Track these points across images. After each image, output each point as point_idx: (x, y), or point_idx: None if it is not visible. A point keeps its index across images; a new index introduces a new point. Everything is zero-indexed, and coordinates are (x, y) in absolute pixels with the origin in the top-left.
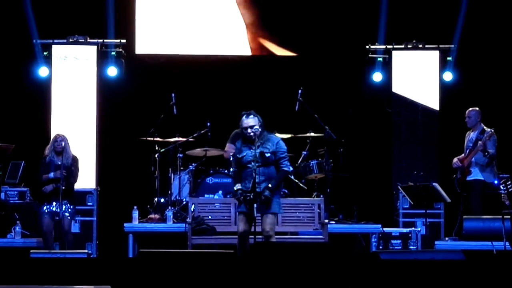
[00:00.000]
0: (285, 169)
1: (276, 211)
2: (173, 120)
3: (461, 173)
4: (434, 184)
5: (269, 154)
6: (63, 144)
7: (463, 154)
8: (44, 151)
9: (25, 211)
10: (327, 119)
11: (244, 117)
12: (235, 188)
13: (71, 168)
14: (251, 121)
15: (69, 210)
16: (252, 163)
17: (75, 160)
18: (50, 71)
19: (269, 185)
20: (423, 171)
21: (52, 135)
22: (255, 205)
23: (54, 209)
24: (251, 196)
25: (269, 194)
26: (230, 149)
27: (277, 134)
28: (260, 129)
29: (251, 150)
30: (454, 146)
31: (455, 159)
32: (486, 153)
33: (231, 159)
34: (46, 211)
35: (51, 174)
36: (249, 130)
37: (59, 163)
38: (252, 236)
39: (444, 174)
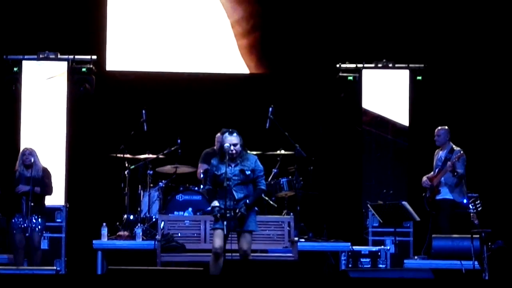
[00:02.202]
0: (262, 187)
1: (253, 228)
2: (143, 136)
3: (430, 192)
4: (403, 202)
5: (249, 172)
6: (31, 158)
7: (432, 173)
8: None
9: None
10: (297, 137)
11: (227, 134)
12: (212, 205)
13: (44, 180)
14: (234, 139)
15: (39, 226)
16: (231, 181)
17: (46, 172)
18: (20, 86)
19: (247, 201)
20: (392, 189)
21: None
22: (225, 223)
23: (25, 225)
24: (231, 213)
25: (245, 211)
26: (201, 169)
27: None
28: (240, 148)
29: (230, 167)
30: (423, 165)
31: (425, 178)
32: (455, 173)
33: (202, 176)
34: (17, 226)
35: (21, 187)
36: (231, 148)
37: (29, 175)
38: (229, 254)
39: (413, 193)
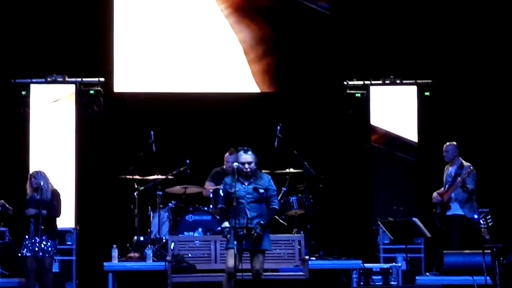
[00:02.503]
0: (275, 206)
1: (267, 248)
2: (152, 157)
3: (441, 208)
4: (414, 219)
5: (262, 191)
6: (39, 180)
7: (442, 188)
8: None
9: (5, 251)
10: (306, 155)
11: (242, 152)
12: (222, 226)
13: (52, 202)
14: (249, 157)
15: (50, 249)
16: (245, 199)
17: (54, 194)
18: (28, 109)
19: (261, 222)
20: (402, 206)
21: None
22: (235, 242)
23: (36, 248)
24: (244, 232)
25: (261, 231)
26: (209, 187)
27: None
28: (255, 167)
29: (244, 185)
30: (433, 180)
31: (435, 194)
32: (465, 189)
33: (211, 195)
34: (28, 249)
35: (31, 211)
36: (246, 166)
37: (38, 197)
38: (240, 274)
39: (424, 209)
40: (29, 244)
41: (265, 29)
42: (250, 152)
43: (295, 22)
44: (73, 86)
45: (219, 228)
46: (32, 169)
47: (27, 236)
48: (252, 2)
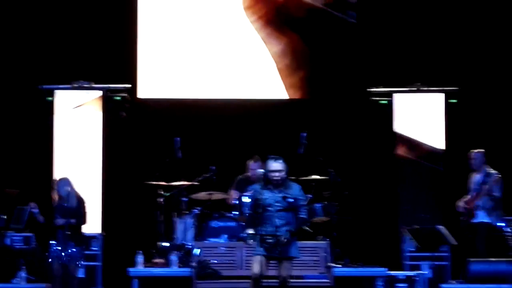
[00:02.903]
0: (304, 216)
1: (295, 255)
2: (177, 164)
3: (467, 216)
4: (439, 226)
5: (292, 200)
6: (66, 188)
7: (468, 196)
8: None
9: (31, 256)
10: (332, 162)
11: (272, 161)
12: (248, 232)
13: (79, 210)
14: (279, 166)
15: (76, 254)
16: (273, 207)
17: (80, 202)
18: (53, 116)
19: (291, 229)
20: (428, 213)
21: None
22: (261, 249)
23: (62, 254)
24: (273, 240)
25: (289, 237)
26: (234, 195)
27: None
28: (285, 175)
29: (273, 193)
30: (459, 188)
31: (461, 202)
32: (492, 197)
33: (236, 202)
34: (54, 255)
35: (60, 221)
36: (276, 174)
37: (65, 205)
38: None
39: (450, 217)
40: (55, 250)
41: (293, 38)
42: (280, 161)
43: (322, 30)
44: (97, 92)
45: (244, 235)
46: (57, 175)
47: (53, 242)
48: (282, 12)
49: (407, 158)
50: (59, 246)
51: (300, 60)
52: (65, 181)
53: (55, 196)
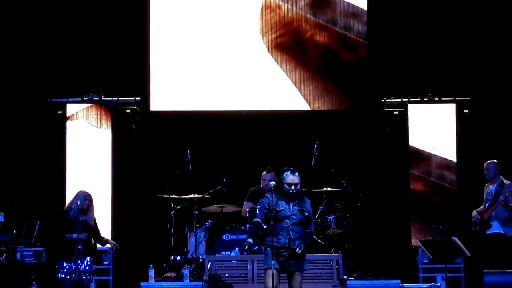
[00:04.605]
0: (312, 230)
1: (305, 268)
2: (188, 176)
3: (481, 227)
4: (453, 238)
5: (307, 213)
6: (89, 203)
7: (482, 207)
8: (66, 205)
9: (41, 271)
10: (344, 174)
11: (289, 173)
12: (247, 240)
13: (97, 228)
14: (296, 179)
15: (88, 268)
16: (289, 219)
17: (95, 221)
18: (65, 129)
19: (306, 241)
20: (442, 224)
21: (68, 193)
22: (273, 261)
23: (73, 268)
24: (288, 253)
25: (304, 249)
26: (247, 207)
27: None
28: (300, 188)
29: (288, 205)
30: (473, 199)
31: (474, 212)
32: (508, 208)
33: (248, 215)
34: (66, 270)
35: (82, 235)
36: (292, 187)
37: (81, 218)
38: None
39: (463, 228)
40: (67, 265)
41: (307, 52)
42: (297, 174)
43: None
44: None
45: (256, 248)
46: (69, 188)
47: (70, 258)
48: (296, 34)
49: (420, 168)
50: (73, 261)
51: (312, 71)
52: (87, 195)
53: (73, 208)
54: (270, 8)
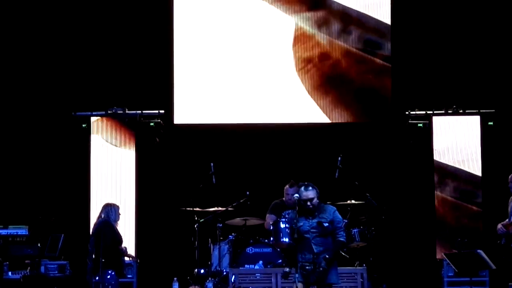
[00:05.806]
0: (341, 239)
1: (335, 281)
2: (212, 189)
3: (506, 239)
4: (478, 251)
5: (327, 224)
6: (119, 215)
7: (507, 220)
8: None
9: (65, 284)
10: (368, 186)
11: (303, 189)
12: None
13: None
14: (310, 194)
15: (113, 281)
16: (310, 234)
17: None
18: (89, 142)
19: (326, 256)
20: (467, 237)
21: (92, 206)
22: (296, 275)
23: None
24: (311, 267)
25: (326, 265)
26: (270, 220)
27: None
28: (318, 201)
29: (308, 220)
30: (498, 212)
31: (500, 225)
32: None
33: (271, 228)
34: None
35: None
36: (308, 203)
37: None
38: None
39: (489, 240)
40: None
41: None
42: (310, 188)
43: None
44: (134, 119)
45: (280, 261)
46: (93, 201)
47: (120, 269)
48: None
49: (445, 181)
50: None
51: (333, 83)
52: (118, 208)
53: (113, 219)
54: (304, 35)
